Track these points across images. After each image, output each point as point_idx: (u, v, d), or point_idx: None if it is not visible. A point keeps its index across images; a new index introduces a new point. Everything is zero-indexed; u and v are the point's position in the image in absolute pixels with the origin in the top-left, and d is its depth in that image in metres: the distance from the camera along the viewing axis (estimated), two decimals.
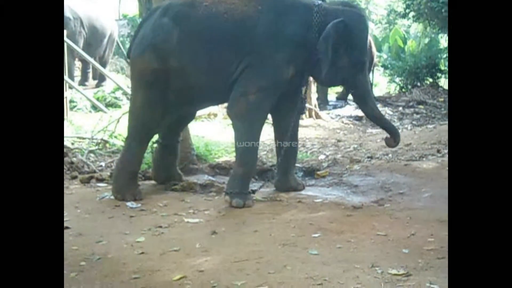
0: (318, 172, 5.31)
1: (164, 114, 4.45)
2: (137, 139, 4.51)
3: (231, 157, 5.86)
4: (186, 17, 4.29)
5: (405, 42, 14.99)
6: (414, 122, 9.09)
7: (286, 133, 4.47)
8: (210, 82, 4.29)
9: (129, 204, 4.27)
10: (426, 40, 14.23)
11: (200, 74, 4.28)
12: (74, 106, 9.52)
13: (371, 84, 11.85)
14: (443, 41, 14.34)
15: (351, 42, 4.25)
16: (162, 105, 4.39)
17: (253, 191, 4.37)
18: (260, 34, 4.20)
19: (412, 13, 12.43)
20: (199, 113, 8.31)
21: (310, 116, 9.23)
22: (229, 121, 8.30)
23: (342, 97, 11.89)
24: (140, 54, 4.40)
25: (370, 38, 12.09)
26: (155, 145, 4.88)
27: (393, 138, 4.54)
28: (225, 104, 8.56)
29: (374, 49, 11.35)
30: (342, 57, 4.26)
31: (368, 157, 6.08)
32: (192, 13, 4.29)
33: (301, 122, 8.59)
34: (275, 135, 4.70)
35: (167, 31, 4.29)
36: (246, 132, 4.31)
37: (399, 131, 8.03)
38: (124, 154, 4.58)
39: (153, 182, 4.85)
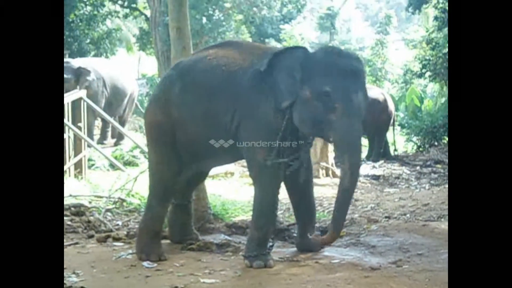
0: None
1: (179, 170, 4.44)
2: (157, 197, 4.52)
3: (247, 216, 5.84)
4: (188, 70, 4.39)
5: (421, 101, 15.05)
6: (432, 182, 9.02)
7: (296, 191, 4.43)
8: (208, 134, 4.26)
9: (145, 264, 4.25)
10: (443, 100, 14.25)
11: (198, 125, 4.29)
12: (92, 165, 9.60)
13: (390, 144, 11.87)
14: None
15: (310, 71, 4.04)
16: (176, 161, 4.41)
17: (270, 248, 4.32)
18: (246, 83, 4.18)
19: (428, 73, 12.54)
20: (216, 171, 8.36)
21: (327, 175, 9.21)
22: (246, 180, 8.40)
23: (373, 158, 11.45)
24: (148, 108, 4.56)
25: (387, 96, 12.09)
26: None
27: (330, 232, 4.18)
28: (241, 163, 8.66)
29: (393, 107, 11.43)
30: (303, 89, 4.03)
31: (385, 217, 6.03)
32: (195, 67, 4.38)
33: (317, 181, 8.64)
34: (289, 195, 4.65)
35: (171, 82, 4.40)
36: (261, 195, 4.27)
37: (417, 190, 8.08)
38: (146, 213, 4.59)
39: (169, 241, 4.83)
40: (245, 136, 4.19)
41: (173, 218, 4.83)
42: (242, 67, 4.24)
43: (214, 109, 4.24)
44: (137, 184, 6.62)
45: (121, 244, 4.85)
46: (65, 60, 12.58)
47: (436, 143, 11.93)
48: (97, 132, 12.45)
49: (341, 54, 4.14)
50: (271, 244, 4.38)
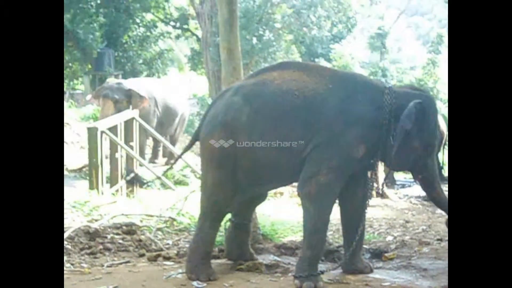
0: (386, 254, 5.20)
1: (234, 194, 4.45)
2: (209, 219, 4.51)
3: (297, 236, 5.82)
4: (256, 95, 4.34)
5: None
6: None
7: (354, 214, 4.44)
8: (279, 160, 4.26)
9: (195, 283, 4.26)
10: None
11: (269, 151, 4.25)
12: (145, 184, 9.72)
13: (442, 164, 11.71)
14: None
15: (423, 124, 4.23)
16: (232, 185, 4.40)
17: (321, 272, 4.29)
18: (330, 112, 4.20)
19: None
20: None
21: (377, 196, 9.12)
22: (296, 200, 8.38)
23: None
24: (210, 133, 4.44)
25: (440, 117, 11.91)
26: (228, 223, 4.88)
27: None
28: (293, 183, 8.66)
29: (445, 127, 11.27)
30: (414, 139, 4.23)
31: (437, 240, 5.92)
32: (263, 91, 4.34)
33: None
34: (342, 215, 4.64)
35: (238, 109, 4.32)
36: (316, 214, 4.23)
37: None
38: (197, 234, 4.58)
39: (219, 261, 4.84)
40: (316, 156, 4.20)
41: (231, 237, 4.83)
42: (318, 92, 4.25)
43: (287, 135, 4.23)
44: (187, 204, 6.68)
45: (171, 263, 4.89)
46: (117, 81, 12.89)
47: None
48: (148, 151, 12.62)
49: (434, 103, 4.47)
50: (323, 269, 4.35)
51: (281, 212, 7.57)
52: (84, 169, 10.09)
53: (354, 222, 4.52)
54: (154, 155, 12.45)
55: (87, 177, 8.39)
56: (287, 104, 4.25)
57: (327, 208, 4.25)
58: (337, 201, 4.43)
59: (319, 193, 4.19)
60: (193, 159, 11.52)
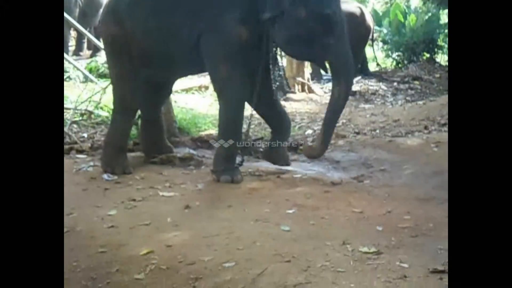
0: (301, 147, 5.25)
1: (138, 83, 4.36)
2: (119, 111, 4.47)
3: (216, 130, 5.79)
4: None
5: (405, 17, 14.82)
6: (407, 98, 8.98)
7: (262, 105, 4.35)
8: (163, 47, 4.19)
9: (105, 176, 4.22)
10: (427, 16, 14.04)
11: (151, 38, 4.19)
12: (68, 77, 9.45)
13: (368, 60, 11.75)
14: (444, 16, 14.16)
15: None
16: (133, 73, 4.31)
17: (239, 164, 4.28)
18: None
19: None
20: (189, 85, 8.27)
21: (303, 90, 9.13)
22: None
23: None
24: (102, 21, 4.44)
25: (365, 10, 11.81)
26: (139, 120, 4.81)
27: (320, 144, 4.31)
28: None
29: (371, 22, 11.23)
30: (298, 9, 3.93)
31: (354, 133, 6.00)
32: None
33: (293, 96, 8.57)
34: (257, 111, 4.54)
35: None
36: (226, 106, 4.21)
37: (390, 106, 8.04)
38: (110, 128, 4.57)
39: (133, 154, 4.78)
40: (206, 50, 4.08)
41: (144, 134, 4.78)
42: None
43: (167, 21, 4.13)
44: (106, 97, 6.52)
45: (84, 156, 4.80)
46: None
47: (415, 59, 11.83)
48: (72, 43, 12.21)
49: None
50: (241, 159, 4.34)
51: (204, 106, 7.50)
52: None
53: (271, 116, 4.48)
54: (78, 47, 12.06)
55: None
56: None
57: (235, 99, 4.18)
58: None
59: (225, 85, 4.14)
60: None
